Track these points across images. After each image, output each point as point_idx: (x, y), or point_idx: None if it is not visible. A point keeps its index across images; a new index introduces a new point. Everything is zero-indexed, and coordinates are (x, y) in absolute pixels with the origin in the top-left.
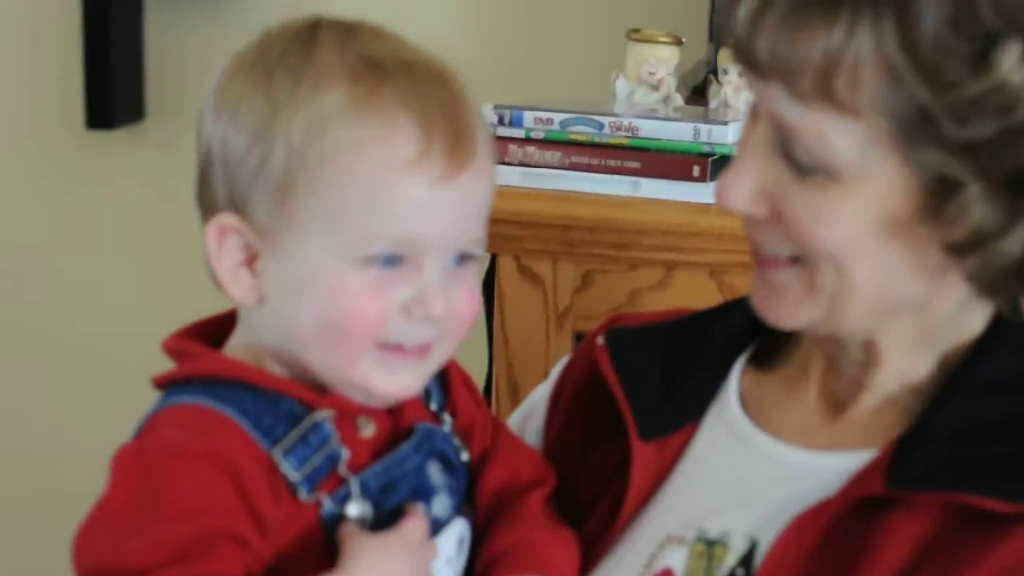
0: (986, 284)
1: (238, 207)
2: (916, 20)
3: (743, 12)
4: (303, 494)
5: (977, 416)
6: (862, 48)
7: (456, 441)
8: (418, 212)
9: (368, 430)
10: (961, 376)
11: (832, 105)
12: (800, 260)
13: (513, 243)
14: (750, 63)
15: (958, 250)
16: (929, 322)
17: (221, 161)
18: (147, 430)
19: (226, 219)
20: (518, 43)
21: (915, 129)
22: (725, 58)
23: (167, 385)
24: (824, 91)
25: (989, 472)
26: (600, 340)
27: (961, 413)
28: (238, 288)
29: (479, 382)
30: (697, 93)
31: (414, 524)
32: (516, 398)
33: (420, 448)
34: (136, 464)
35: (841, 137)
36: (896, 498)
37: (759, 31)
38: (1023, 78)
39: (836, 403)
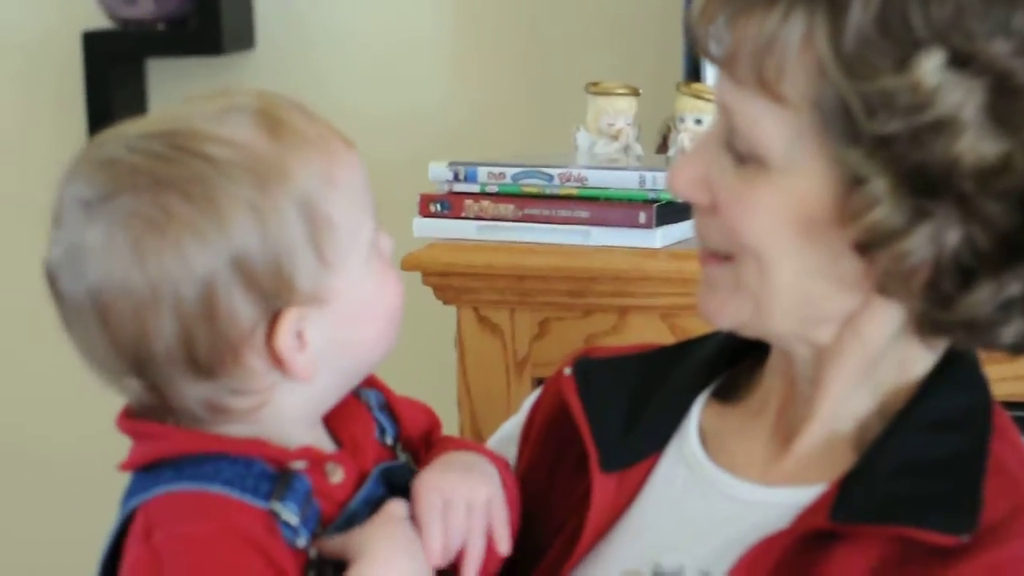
0: (893, 292)
1: (282, 300)
2: (846, 15)
3: (696, 2)
4: (302, 541)
5: (921, 452)
6: (792, 35)
7: (414, 467)
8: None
9: (337, 475)
10: (906, 413)
11: (765, 92)
12: (731, 257)
13: (471, 295)
14: (705, 51)
15: (864, 248)
16: (868, 351)
17: (243, 279)
18: (145, 530)
19: (293, 317)
20: (491, 100)
21: (835, 122)
22: (683, 105)
23: (136, 469)
24: (757, 76)
25: (931, 506)
26: (567, 371)
27: (905, 449)
28: (311, 369)
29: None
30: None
31: (396, 507)
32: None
33: (371, 495)
34: (156, 568)
35: (771, 125)
36: (842, 532)
37: (708, 19)
38: (938, 82)
39: (788, 436)
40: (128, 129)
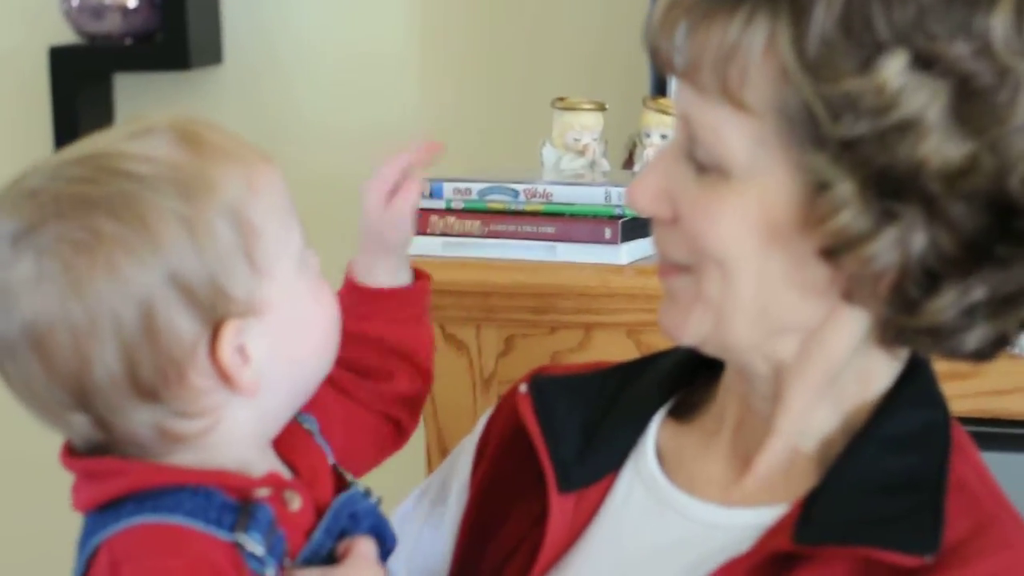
0: (859, 298)
1: (220, 312)
2: (809, 20)
3: (654, 12)
4: (270, 572)
5: (883, 470)
6: (755, 41)
7: (363, 489)
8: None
9: (295, 503)
10: (866, 431)
11: (727, 100)
12: (692, 268)
13: (437, 312)
14: (664, 61)
15: (830, 254)
16: (830, 364)
17: (181, 294)
18: (111, 565)
19: (233, 328)
20: (458, 115)
21: (799, 127)
22: (649, 121)
23: (96, 508)
24: (720, 84)
25: (893, 526)
26: (523, 388)
27: (867, 468)
28: (256, 383)
29: (416, 450)
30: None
31: (367, 547)
32: None
33: (332, 527)
34: None
35: (734, 133)
36: (806, 554)
37: (668, 28)
38: (902, 84)
39: (748, 455)
40: (48, 161)
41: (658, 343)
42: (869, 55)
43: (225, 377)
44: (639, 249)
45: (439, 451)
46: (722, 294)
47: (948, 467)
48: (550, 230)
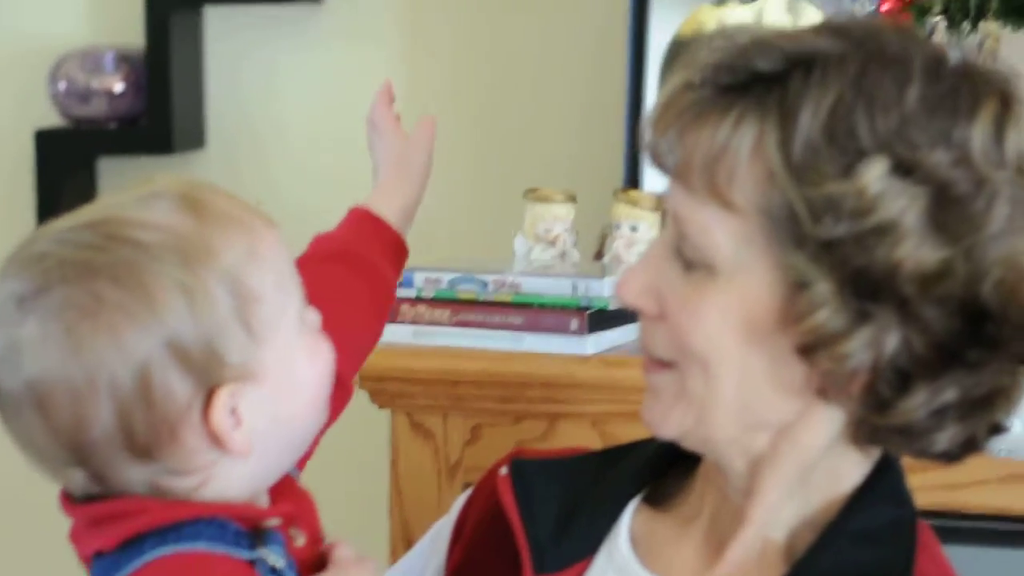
0: (833, 396)
1: (215, 377)
2: (795, 125)
3: (651, 112)
4: None
5: (849, 565)
6: (743, 143)
7: None
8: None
9: (300, 540)
10: (836, 525)
11: (715, 199)
12: (676, 364)
13: (405, 400)
14: (658, 161)
15: (806, 351)
16: (803, 460)
17: (177, 359)
18: None
19: (227, 392)
20: (432, 204)
21: (782, 227)
22: (619, 213)
23: (114, 548)
24: (708, 183)
25: None
26: (504, 471)
27: (834, 561)
28: (247, 445)
29: (380, 536)
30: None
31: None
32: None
33: None
34: None
35: (721, 231)
36: None
37: (663, 129)
38: (882, 189)
39: (721, 544)
40: (55, 225)
41: (623, 434)
42: (852, 160)
43: (216, 439)
44: (605, 340)
45: (403, 538)
46: (704, 390)
47: (914, 563)
48: (518, 320)
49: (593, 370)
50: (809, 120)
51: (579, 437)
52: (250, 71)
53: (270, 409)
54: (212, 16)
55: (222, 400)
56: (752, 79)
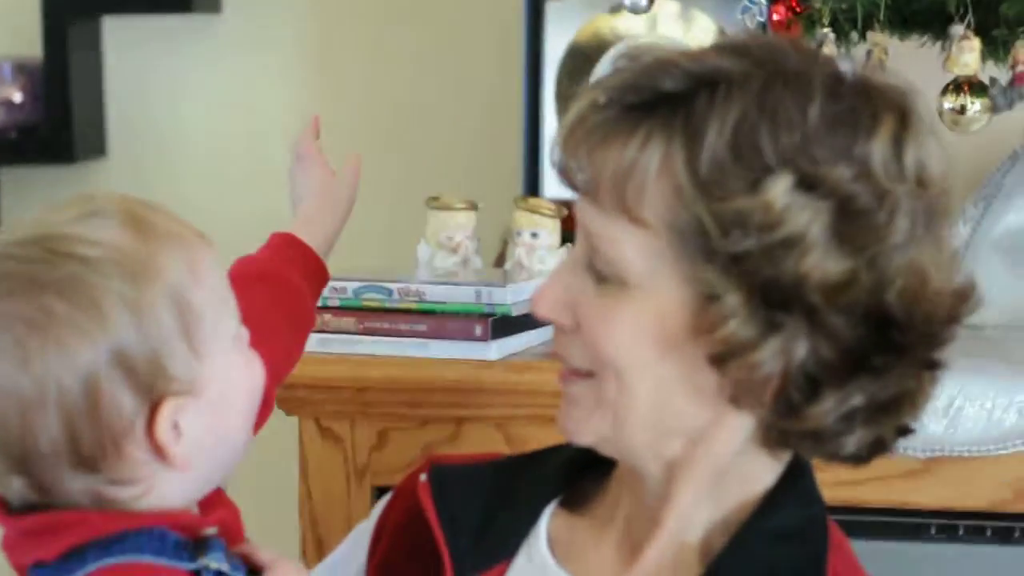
0: (745, 403)
1: (159, 392)
2: (702, 143)
3: (558, 132)
4: None
5: (763, 565)
6: (651, 162)
7: None
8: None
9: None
10: (749, 525)
11: (625, 215)
12: (592, 374)
13: (313, 406)
14: (568, 180)
15: (718, 360)
16: (717, 464)
17: (124, 373)
18: None
19: (171, 406)
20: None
21: (691, 242)
22: (520, 220)
23: (55, 559)
24: (619, 201)
25: None
26: (423, 477)
27: (748, 561)
28: (188, 458)
29: (291, 540)
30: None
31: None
32: (321, 553)
33: None
34: None
35: (631, 246)
36: None
37: (571, 148)
38: (787, 204)
39: (637, 547)
40: None
41: (527, 436)
42: (757, 176)
43: (159, 451)
44: (508, 346)
45: (314, 541)
46: (619, 398)
47: (826, 562)
48: (423, 327)
49: (497, 375)
50: (715, 138)
51: (485, 440)
52: (151, 80)
53: (209, 422)
54: (111, 26)
55: (166, 414)
56: (658, 99)
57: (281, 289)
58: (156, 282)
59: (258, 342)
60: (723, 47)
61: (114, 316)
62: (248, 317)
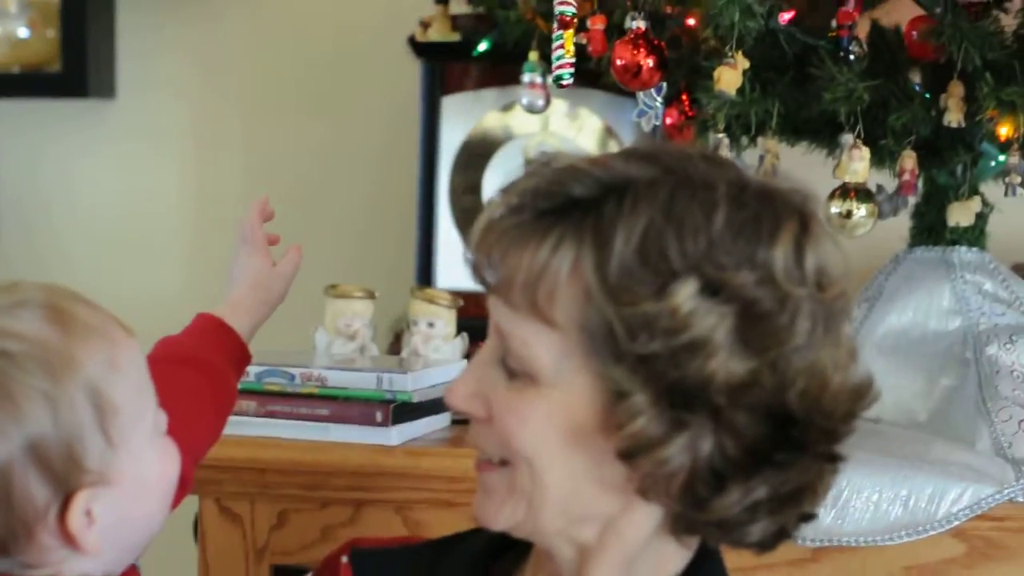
0: (653, 495)
1: (73, 483)
2: (611, 248)
3: (472, 234)
4: None
5: None
6: (562, 265)
7: None
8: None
9: None
10: None
11: (536, 316)
12: (506, 463)
13: (214, 486)
14: (479, 277)
15: (627, 456)
16: (627, 549)
17: (38, 464)
18: None
19: (84, 497)
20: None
21: (600, 343)
22: (415, 309)
23: None
24: (530, 302)
25: None
26: (344, 559)
27: None
28: (99, 544)
29: None
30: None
31: None
32: None
33: None
34: None
35: (541, 345)
36: None
37: (485, 250)
38: (692, 308)
39: None
40: None
41: (425, 519)
42: (664, 281)
43: (70, 539)
44: (408, 431)
45: None
46: (532, 487)
47: None
48: (324, 412)
49: (397, 459)
50: (623, 244)
51: (383, 523)
52: (44, 163)
53: (122, 510)
54: (4, 110)
55: (79, 504)
56: (569, 204)
57: (206, 374)
58: (75, 376)
59: (181, 425)
60: (632, 154)
61: (31, 411)
62: (173, 400)
